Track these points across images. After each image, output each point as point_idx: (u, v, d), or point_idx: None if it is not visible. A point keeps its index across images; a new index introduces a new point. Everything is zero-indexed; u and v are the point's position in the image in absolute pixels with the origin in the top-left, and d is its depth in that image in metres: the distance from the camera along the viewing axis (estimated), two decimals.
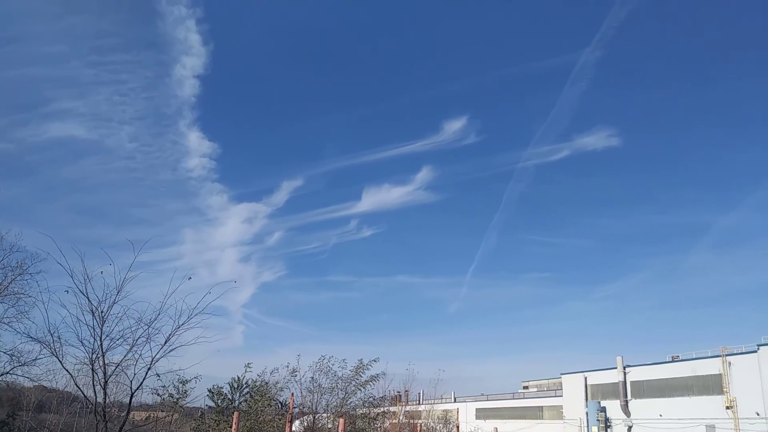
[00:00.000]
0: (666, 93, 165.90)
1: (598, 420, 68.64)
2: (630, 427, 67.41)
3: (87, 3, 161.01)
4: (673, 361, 67.26)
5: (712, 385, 59.48)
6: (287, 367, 22.88)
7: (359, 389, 23.77)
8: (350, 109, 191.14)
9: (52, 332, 15.92)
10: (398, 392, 46.58)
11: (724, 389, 57.72)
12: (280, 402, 22.79)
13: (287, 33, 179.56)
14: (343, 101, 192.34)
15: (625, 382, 69.00)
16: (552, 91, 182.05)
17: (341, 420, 15.44)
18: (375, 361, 24.02)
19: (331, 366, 23.47)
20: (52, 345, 15.98)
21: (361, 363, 23.82)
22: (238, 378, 24.95)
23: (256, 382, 23.20)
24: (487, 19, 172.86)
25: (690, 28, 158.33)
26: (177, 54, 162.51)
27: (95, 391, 15.77)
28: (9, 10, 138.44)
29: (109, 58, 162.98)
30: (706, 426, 58.47)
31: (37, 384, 29.66)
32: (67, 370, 16.36)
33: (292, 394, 21.42)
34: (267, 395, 21.46)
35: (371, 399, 24.86)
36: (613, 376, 70.61)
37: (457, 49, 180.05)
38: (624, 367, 69.55)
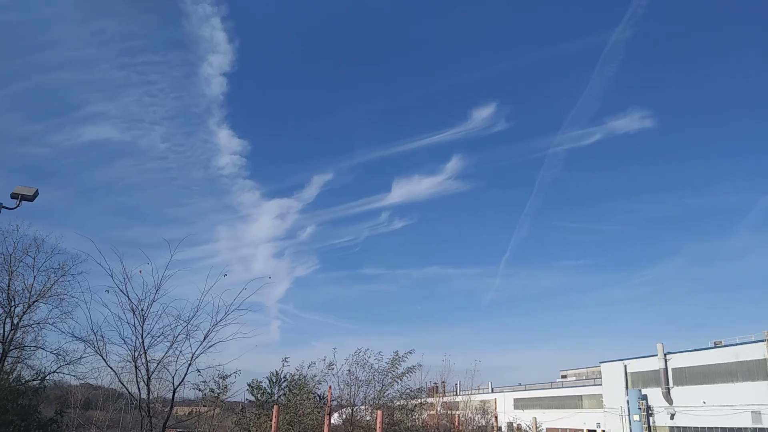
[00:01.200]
0: (700, 71, 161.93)
1: (640, 408, 67.65)
2: (672, 415, 66.23)
3: (114, 6, 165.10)
4: (715, 347, 65.83)
5: (757, 371, 58.02)
6: (324, 360, 23.08)
7: (396, 381, 23.85)
8: (378, 100, 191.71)
9: (95, 331, 16.38)
10: (435, 383, 46.56)
11: None
12: (318, 395, 22.99)
13: (312, 26, 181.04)
14: (370, 93, 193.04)
15: (666, 370, 67.75)
16: (582, 74, 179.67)
17: (379, 412, 15.54)
18: (410, 352, 24.06)
19: (367, 359, 23.57)
20: (95, 343, 16.44)
21: (397, 355, 23.88)
22: (277, 372, 25.21)
23: (294, 376, 23.46)
24: (513, 2, 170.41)
25: (723, 4, 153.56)
26: (203, 53, 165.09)
27: (139, 388, 16.18)
28: (38, 17, 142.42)
29: (137, 60, 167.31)
30: (751, 412, 57.10)
31: (83, 382, 30.49)
32: (111, 368, 16.82)
33: (330, 387, 21.62)
34: (305, 389, 21.67)
35: (408, 391, 24.93)
36: (654, 364, 69.41)
37: (483, 34, 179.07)
38: (665, 354, 68.28)
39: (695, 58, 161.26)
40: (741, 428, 58.22)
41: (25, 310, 25.82)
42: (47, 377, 25.86)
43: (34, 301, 26.05)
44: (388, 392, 23.92)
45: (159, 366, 16.75)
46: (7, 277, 25.51)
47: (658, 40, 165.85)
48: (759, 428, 56.41)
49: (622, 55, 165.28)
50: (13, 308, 25.44)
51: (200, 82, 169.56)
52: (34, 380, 24.62)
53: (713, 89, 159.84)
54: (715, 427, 60.75)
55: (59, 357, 25.40)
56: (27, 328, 26.23)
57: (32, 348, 26.58)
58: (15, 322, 25.41)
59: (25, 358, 26.73)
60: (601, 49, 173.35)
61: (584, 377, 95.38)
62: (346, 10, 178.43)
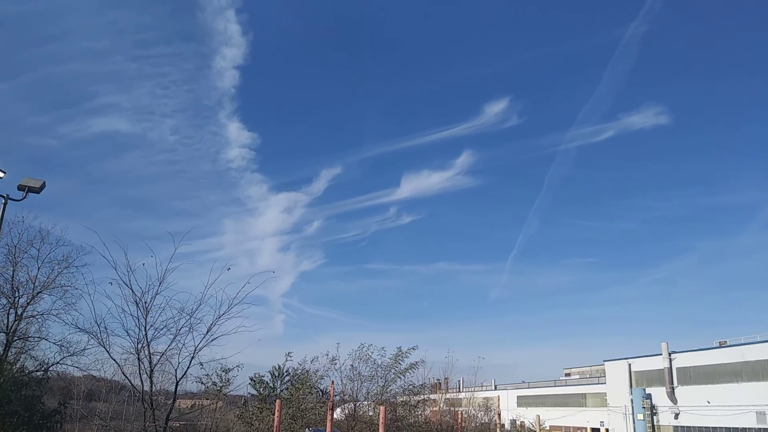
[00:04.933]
0: (717, 68, 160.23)
1: (644, 407, 67.38)
2: (677, 415, 65.97)
3: None
4: (720, 347, 65.47)
5: (762, 371, 57.68)
6: (327, 355, 23.06)
7: (399, 377, 23.81)
8: (389, 94, 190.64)
9: (98, 323, 16.38)
10: (438, 380, 46.54)
11: None
12: (320, 390, 22.97)
13: (324, 19, 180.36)
14: (381, 87, 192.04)
15: (671, 369, 67.46)
16: (596, 69, 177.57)
17: (382, 407, 15.45)
18: (414, 348, 24.04)
19: (370, 354, 23.58)
20: (99, 335, 16.44)
21: (400, 351, 23.85)
22: (279, 366, 25.26)
23: (296, 370, 23.45)
24: None
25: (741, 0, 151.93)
26: (217, 45, 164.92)
27: (141, 380, 16.18)
28: (52, 8, 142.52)
29: (151, 52, 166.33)
30: (756, 413, 56.81)
31: (86, 373, 30.54)
32: (114, 360, 16.82)
33: (333, 382, 21.58)
34: (308, 383, 21.63)
35: (411, 387, 24.89)
36: (659, 363, 69.11)
37: (497, 27, 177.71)
38: (669, 353, 67.96)
39: (712, 54, 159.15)
40: (745, 428, 57.93)
41: (29, 301, 25.85)
42: (50, 368, 25.93)
43: (38, 292, 26.07)
44: (390, 388, 23.92)
45: (162, 358, 16.76)
46: (11, 268, 25.54)
47: (675, 36, 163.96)
48: (764, 429, 56.10)
49: (638, 50, 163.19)
50: (17, 299, 25.47)
51: (213, 75, 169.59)
52: (37, 371, 24.66)
53: (729, 86, 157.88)
54: (720, 427, 60.47)
55: (62, 348, 25.44)
56: (31, 319, 26.28)
57: (36, 339, 26.65)
58: (19, 312, 25.44)
59: (29, 349, 26.78)
60: (617, 44, 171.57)
61: (588, 375, 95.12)
62: (358, 4, 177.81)
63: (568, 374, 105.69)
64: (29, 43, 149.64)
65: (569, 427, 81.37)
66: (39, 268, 26.31)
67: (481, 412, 44.57)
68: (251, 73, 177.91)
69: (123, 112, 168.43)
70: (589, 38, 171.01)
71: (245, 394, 25.90)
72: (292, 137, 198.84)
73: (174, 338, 16.46)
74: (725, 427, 59.79)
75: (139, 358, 16.03)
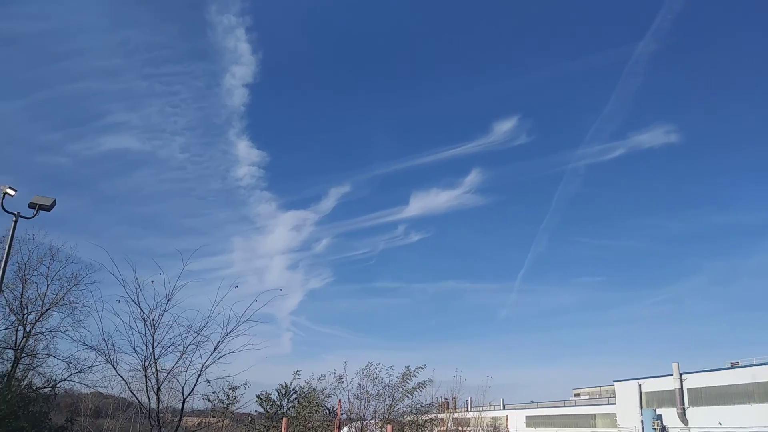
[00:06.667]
0: (727, 85, 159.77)
1: (654, 428, 66.53)
2: None
3: (140, 15, 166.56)
4: (732, 368, 64.69)
5: None
6: (334, 373, 22.96)
7: (406, 396, 23.63)
8: (397, 112, 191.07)
9: (106, 340, 16.45)
10: (446, 399, 46.24)
11: None
12: (327, 408, 22.84)
13: (333, 38, 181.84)
14: (390, 105, 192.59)
15: (681, 389, 66.62)
16: (606, 87, 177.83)
17: (389, 427, 15.38)
18: (422, 368, 23.88)
19: (378, 373, 23.43)
20: (106, 352, 16.52)
21: (408, 370, 23.70)
22: (286, 384, 25.12)
23: (303, 388, 23.35)
24: (536, 14, 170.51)
25: (749, 18, 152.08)
26: (227, 64, 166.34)
27: (149, 397, 16.20)
28: (64, 27, 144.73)
29: (161, 70, 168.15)
30: None
31: (93, 390, 30.63)
32: (121, 377, 16.86)
33: (340, 401, 21.46)
34: (315, 401, 21.53)
35: (418, 406, 24.69)
36: (669, 383, 68.27)
37: (506, 46, 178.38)
38: (680, 374, 67.16)
39: (722, 73, 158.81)
40: None
41: (37, 318, 26.02)
42: (58, 385, 25.95)
43: (46, 310, 26.26)
44: (398, 407, 23.72)
45: (169, 376, 16.77)
46: (21, 285, 25.75)
47: (684, 55, 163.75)
48: None
49: (647, 69, 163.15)
50: (25, 316, 25.63)
51: (222, 93, 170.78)
52: (45, 387, 24.69)
53: (739, 105, 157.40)
54: None
55: (70, 365, 25.56)
56: (39, 336, 26.43)
57: (44, 356, 26.74)
58: (27, 329, 25.59)
59: (37, 366, 26.89)
60: (626, 63, 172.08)
61: (598, 396, 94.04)
62: (367, 24, 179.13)
63: (577, 394, 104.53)
64: (41, 61, 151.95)
65: None
66: (48, 286, 26.56)
67: None
68: (261, 91, 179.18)
69: (133, 130, 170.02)
70: (598, 57, 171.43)
71: (252, 412, 25.82)
72: (301, 155, 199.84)
73: (181, 356, 16.51)
74: None
75: (146, 376, 16.05)
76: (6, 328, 25.57)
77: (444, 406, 44.88)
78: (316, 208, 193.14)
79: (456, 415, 42.13)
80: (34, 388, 24.21)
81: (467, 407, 54.30)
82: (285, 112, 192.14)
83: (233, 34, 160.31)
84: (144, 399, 16.43)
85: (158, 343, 16.26)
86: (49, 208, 18.80)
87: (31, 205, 18.53)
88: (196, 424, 26.52)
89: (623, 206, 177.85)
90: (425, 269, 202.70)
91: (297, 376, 22.85)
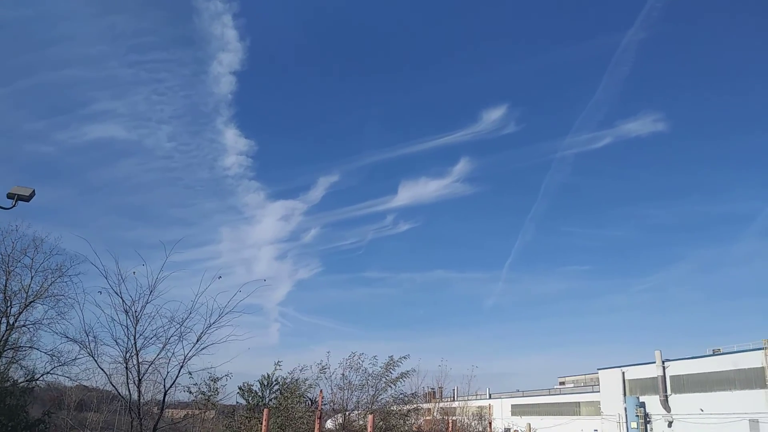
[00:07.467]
0: (715, 74, 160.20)
1: (637, 416, 67.50)
2: (670, 423, 66.05)
3: (125, 2, 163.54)
4: (713, 355, 65.67)
5: (755, 379, 57.92)
6: (318, 364, 23.04)
7: (390, 386, 23.77)
8: (386, 101, 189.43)
9: (87, 332, 16.37)
10: (432, 389, 46.58)
11: None
12: (310, 399, 22.92)
13: (322, 26, 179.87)
14: (379, 94, 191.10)
15: (664, 377, 67.62)
16: (594, 76, 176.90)
17: (370, 416, 15.51)
18: (405, 357, 23.98)
19: (361, 363, 23.51)
20: (88, 345, 16.44)
21: (392, 359, 23.81)
22: (268, 375, 25.18)
23: (286, 379, 23.41)
24: (524, 3, 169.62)
25: (739, 7, 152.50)
26: (214, 51, 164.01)
27: (129, 390, 16.15)
28: (47, 12, 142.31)
29: (147, 57, 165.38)
30: (749, 421, 56.92)
31: (77, 383, 30.46)
32: (102, 370, 16.81)
33: (321, 391, 21.58)
34: (297, 392, 21.62)
35: (402, 396, 24.84)
36: (652, 371, 69.27)
37: (494, 35, 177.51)
38: (663, 362, 68.15)
39: (710, 61, 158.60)
40: None
41: (21, 310, 25.84)
42: (40, 378, 25.85)
43: (30, 302, 26.07)
44: (381, 397, 23.86)
45: (151, 368, 16.75)
46: (5, 277, 25.54)
47: (673, 43, 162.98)
48: None
49: (635, 57, 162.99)
50: (9, 308, 25.45)
51: (209, 81, 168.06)
52: (23, 381, 24.60)
53: (727, 94, 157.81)
54: None
55: (53, 358, 25.41)
56: (23, 328, 26.26)
57: (27, 348, 26.60)
58: (11, 322, 25.42)
59: (20, 359, 26.73)
60: (614, 51, 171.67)
61: (582, 384, 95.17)
62: (356, 11, 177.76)
63: (562, 383, 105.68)
64: (24, 48, 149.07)
65: None
66: (32, 278, 26.33)
67: (475, 421, 44.57)
68: (248, 79, 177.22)
69: (119, 119, 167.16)
70: (587, 45, 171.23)
71: (236, 404, 25.87)
72: (290, 144, 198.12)
73: (163, 347, 16.44)
74: None
75: (127, 368, 16.01)
76: None
77: (430, 396, 45.19)
78: (304, 197, 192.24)
79: (442, 404, 42.40)
80: (12, 380, 24.11)
81: (453, 397, 54.70)
82: (273, 100, 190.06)
83: (220, 20, 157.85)
84: (125, 391, 16.41)
85: (140, 335, 16.21)
86: (28, 199, 18.52)
87: (10, 196, 18.24)
88: (182, 416, 26.59)
89: (610, 195, 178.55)
90: (414, 259, 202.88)
91: (278, 367, 22.86)
